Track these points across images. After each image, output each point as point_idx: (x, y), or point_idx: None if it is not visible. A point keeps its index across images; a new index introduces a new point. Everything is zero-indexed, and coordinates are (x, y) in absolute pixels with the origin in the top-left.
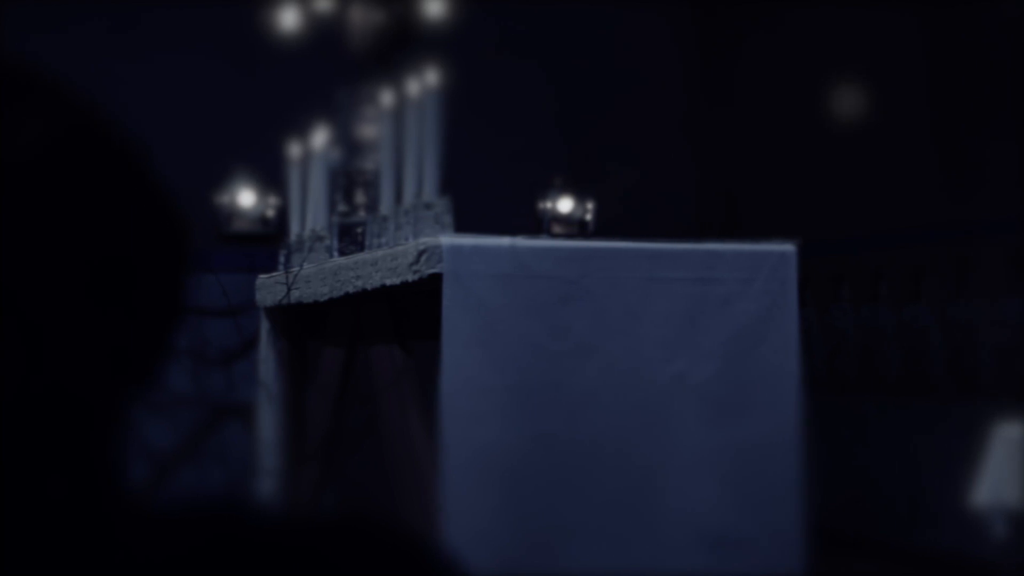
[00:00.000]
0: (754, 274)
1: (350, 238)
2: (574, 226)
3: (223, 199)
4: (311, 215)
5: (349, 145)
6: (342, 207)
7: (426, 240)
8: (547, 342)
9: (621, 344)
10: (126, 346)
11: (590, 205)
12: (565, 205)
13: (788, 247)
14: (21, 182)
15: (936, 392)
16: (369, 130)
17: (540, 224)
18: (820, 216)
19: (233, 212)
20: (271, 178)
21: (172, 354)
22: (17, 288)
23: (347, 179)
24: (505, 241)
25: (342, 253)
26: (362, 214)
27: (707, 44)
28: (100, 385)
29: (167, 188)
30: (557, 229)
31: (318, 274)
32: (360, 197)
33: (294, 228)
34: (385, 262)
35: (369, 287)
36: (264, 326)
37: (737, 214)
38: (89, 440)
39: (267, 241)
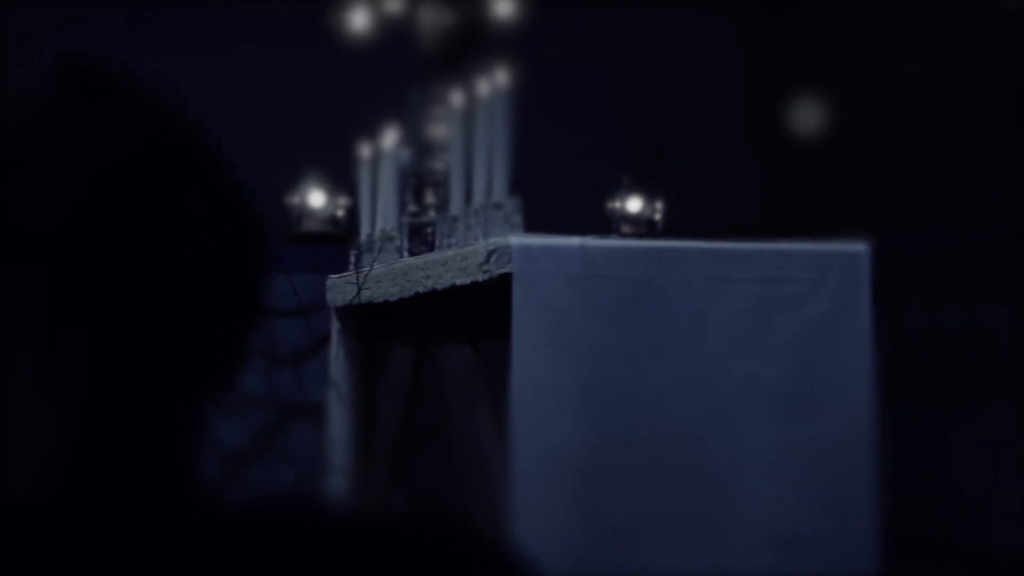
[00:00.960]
0: (826, 274)
1: (420, 238)
2: (643, 226)
3: (293, 199)
4: (381, 215)
5: (419, 145)
6: (412, 207)
7: (496, 240)
8: (617, 342)
9: (691, 344)
10: (204, 349)
11: (659, 205)
12: (634, 204)
13: (860, 247)
14: (103, 183)
15: (1008, 394)
16: (439, 130)
17: (609, 224)
18: (890, 214)
19: (303, 212)
20: (341, 179)
21: (247, 356)
22: (98, 289)
23: (417, 179)
24: (575, 241)
25: (412, 253)
26: (432, 214)
27: (772, 43)
28: (177, 387)
29: (245, 191)
30: (626, 229)
31: (388, 274)
32: (430, 197)
33: (364, 228)
34: (455, 262)
35: (439, 287)
36: (334, 326)
37: (806, 213)
38: (165, 441)
39: (337, 241)
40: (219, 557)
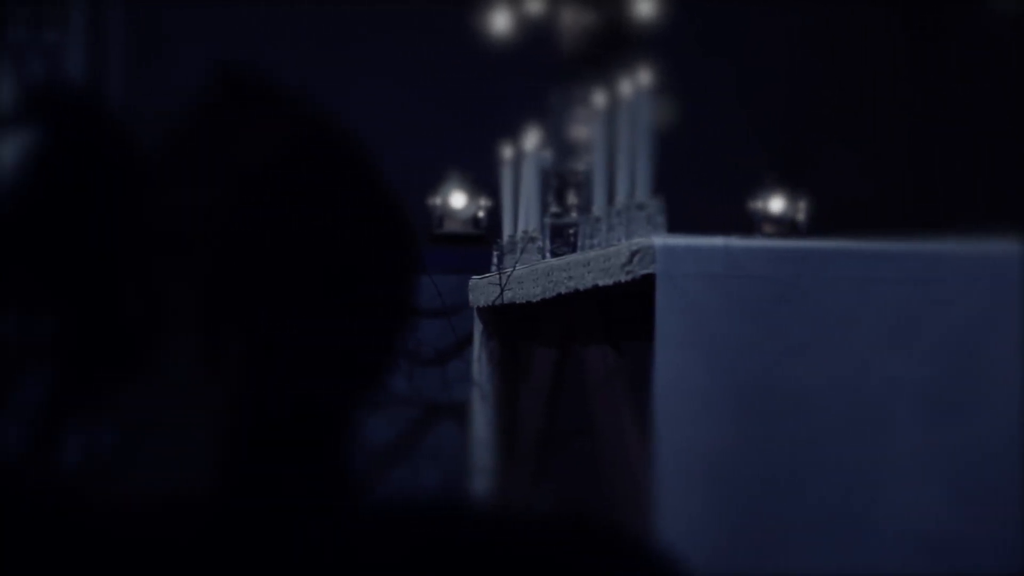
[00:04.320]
0: (977, 276)
1: (562, 239)
2: (786, 226)
3: (435, 200)
4: (523, 216)
5: (561, 146)
6: (554, 208)
7: (639, 241)
8: (760, 343)
9: (836, 345)
10: (358, 349)
11: (802, 204)
12: (776, 204)
13: (1015, 247)
14: (259, 188)
15: None
16: (581, 131)
17: (752, 224)
18: None
19: (445, 213)
20: (482, 179)
21: (398, 356)
22: (256, 291)
23: (559, 180)
24: (718, 241)
25: (554, 254)
26: (574, 215)
27: (917, 37)
28: (333, 387)
29: (396, 193)
30: (769, 229)
31: (531, 275)
32: (572, 198)
33: (506, 229)
34: (597, 263)
35: (581, 288)
36: (477, 327)
37: (957, 210)
38: (324, 440)
39: (478, 242)
40: (370, 554)
